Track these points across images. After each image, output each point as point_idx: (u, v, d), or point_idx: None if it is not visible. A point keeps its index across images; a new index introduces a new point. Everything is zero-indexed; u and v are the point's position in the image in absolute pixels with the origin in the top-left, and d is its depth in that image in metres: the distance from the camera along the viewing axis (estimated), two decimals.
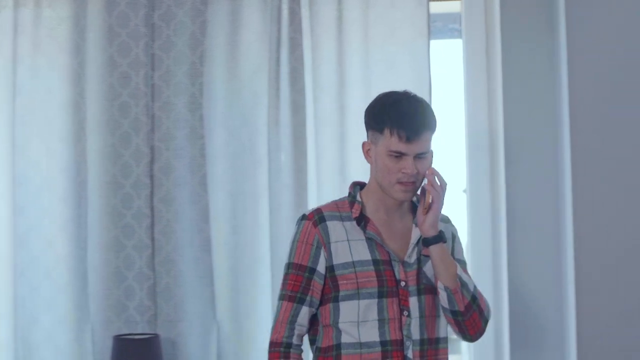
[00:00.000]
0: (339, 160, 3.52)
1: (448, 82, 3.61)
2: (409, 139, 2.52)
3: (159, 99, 3.57)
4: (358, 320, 2.53)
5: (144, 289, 3.53)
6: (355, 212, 2.59)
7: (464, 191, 3.62)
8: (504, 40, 3.44)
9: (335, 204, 2.65)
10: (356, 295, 2.53)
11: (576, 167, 3.22)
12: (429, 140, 2.56)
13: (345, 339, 2.54)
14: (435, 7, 3.60)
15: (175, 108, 3.57)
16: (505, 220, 3.43)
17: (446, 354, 2.64)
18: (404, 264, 2.58)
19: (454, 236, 2.69)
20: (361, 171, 3.50)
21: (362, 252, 2.56)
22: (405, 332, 2.55)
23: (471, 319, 2.58)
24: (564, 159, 3.32)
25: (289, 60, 3.55)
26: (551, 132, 3.42)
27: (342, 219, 2.60)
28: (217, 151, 3.56)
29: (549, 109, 3.43)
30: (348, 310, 2.54)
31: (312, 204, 3.52)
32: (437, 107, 3.46)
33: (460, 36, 3.61)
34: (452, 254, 2.66)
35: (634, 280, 3.20)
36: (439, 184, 2.55)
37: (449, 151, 3.72)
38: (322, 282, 2.56)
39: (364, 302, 2.53)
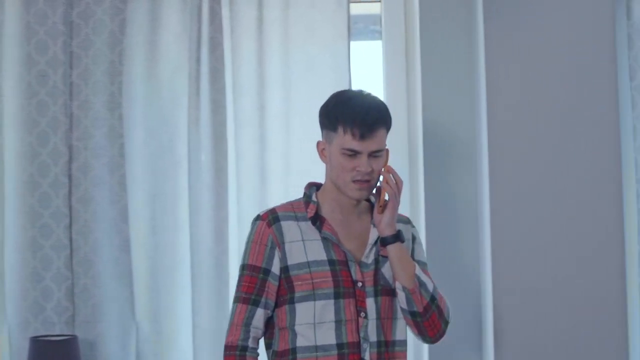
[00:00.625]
0: (260, 161, 3.52)
1: (368, 83, 3.63)
2: (362, 137, 2.49)
3: (77, 98, 3.53)
4: (314, 322, 2.51)
5: (61, 289, 3.49)
6: (310, 212, 2.58)
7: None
8: (423, 42, 3.45)
9: (291, 204, 2.62)
10: (312, 297, 2.51)
11: (493, 168, 3.25)
12: (383, 137, 2.53)
13: (300, 342, 2.51)
14: (355, 9, 3.61)
15: (94, 107, 3.53)
16: (425, 226, 3.44)
17: (404, 357, 2.59)
18: (360, 264, 2.54)
19: (414, 237, 2.66)
20: (281, 171, 3.51)
21: (318, 252, 2.54)
22: (362, 334, 2.51)
23: (430, 320, 2.55)
24: (482, 159, 3.35)
25: (209, 59, 3.53)
26: (470, 133, 3.44)
27: (297, 219, 2.58)
28: (137, 151, 3.53)
29: (468, 110, 3.45)
30: (304, 312, 2.51)
31: (233, 204, 3.50)
32: None
33: (380, 37, 3.63)
34: (412, 255, 2.62)
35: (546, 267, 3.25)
36: (394, 181, 2.52)
37: None
38: (276, 283, 2.54)
39: (320, 303, 2.50)
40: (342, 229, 2.58)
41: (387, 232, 2.54)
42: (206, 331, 3.47)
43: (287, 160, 3.51)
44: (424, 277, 2.56)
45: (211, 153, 3.52)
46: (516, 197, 3.25)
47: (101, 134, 3.52)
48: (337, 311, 2.51)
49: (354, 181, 2.52)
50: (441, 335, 2.60)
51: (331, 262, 2.53)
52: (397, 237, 2.53)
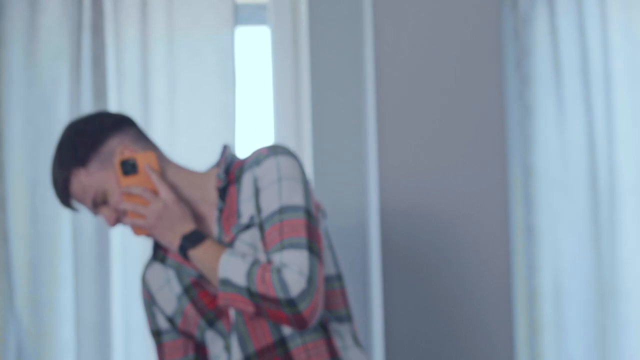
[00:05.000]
0: None
1: (256, 68, 3.59)
2: (66, 207, 2.29)
3: None
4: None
5: None
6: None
7: None
8: (311, 25, 3.44)
9: None
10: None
11: (383, 159, 3.24)
12: (83, 184, 2.23)
13: None
14: None
15: None
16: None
17: (314, 347, 2.19)
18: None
19: (257, 186, 2.21)
20: None
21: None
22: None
23: (272, 314, 2.09)
24: (368, 150, 3.34)
25: (91, 45, 3.45)
26: (357, 110, 3.44)
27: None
28: (15, 137, 3.43)
29: (356, 95, 3.44)
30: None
31: None
32: (244, 96, 3.46)
33: (267, 23, 3.59)
34: (260, 210, 2.21)
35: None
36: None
37: (257, 141, 3.71)
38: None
39: (208, 334, 2.29)
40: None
41: (174, 248, 2.24)
42: (88, 324, 3.41)
43: (172, 149, 3.46)
44: (229, 268, 2.12)
45: None
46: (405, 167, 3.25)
47: None
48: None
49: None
50: (300, 321, 2.07)
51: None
52: (185, 244, 2.20)
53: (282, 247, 2.11)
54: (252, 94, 3.66)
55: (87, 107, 3.44)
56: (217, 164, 2.35)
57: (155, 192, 2.24)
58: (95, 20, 3.45)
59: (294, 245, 2.10)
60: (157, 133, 3.45)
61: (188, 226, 2.21)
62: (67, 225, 3.43)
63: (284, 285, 2.07)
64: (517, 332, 3.50)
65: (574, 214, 3.53)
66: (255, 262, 2.12)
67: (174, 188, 2.29)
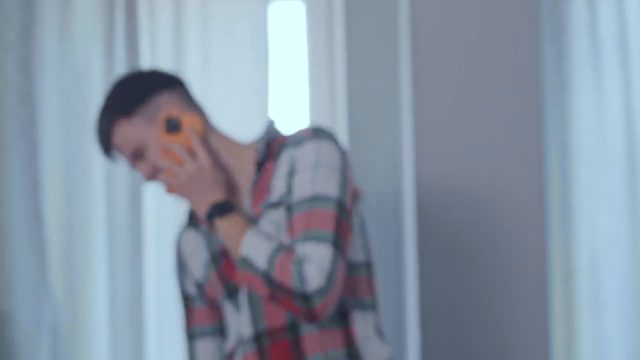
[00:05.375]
0: None
1: (291, 44, 3.57)
2: (107, 156, 2.29)
3: None
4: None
5: None
6: None
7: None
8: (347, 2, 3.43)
9: None
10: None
11: (419, 136, 3.22)
12: (126, 135, 2.22)
13: None
14: None
15: (4, 70, 3.43)
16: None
17: (329, 335, 2.15)
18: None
19: (294, 166, 2.17)
20: None
21: None
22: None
23: (284, 302, 2.06)
24: (403, 127, 3.32)
25: (124, 24, 3.45)
26: (393, 86, 3.42)
27: None
28: (49, 117, 3.43)
29: (392, 71, 3.43)
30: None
31: None
32: (278, 72, 3.45)
33: None
34: (291, 192, 2.17)
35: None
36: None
37: (291, 118, 3.70)
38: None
39: (226, 305, 2.27)
40: None
41: (203, 214, 2.23)
42: (122, 301, 3.42)
43: None
44: (253, 248, 2.10)
45: None
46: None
47: (11, 99, 3.42)
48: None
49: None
50: (309, 314, 2.04)
51: None
52: (214, 212, 2.18)
53: (307, 237, 2.07)
54: (286, 71, 3.64)
55: None
56: (261, 138, 2.33)
57: (194, 155, 2.22)
58: None
59: (319, 238, 2.06)
60: None
61: (219, 195, 2.20)
62: (101, 204, 3.44)
63: (302, 278, 2.03)
64: (553, 308, 3.48)
65: (611, 190, 3.50)
66: (279, 248, 2.08)
67: (213, 155, 2.28)
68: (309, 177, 2.12)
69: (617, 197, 3.50)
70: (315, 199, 2.09)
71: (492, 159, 3.22)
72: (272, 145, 2.26)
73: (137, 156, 2.26)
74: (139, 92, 2.24)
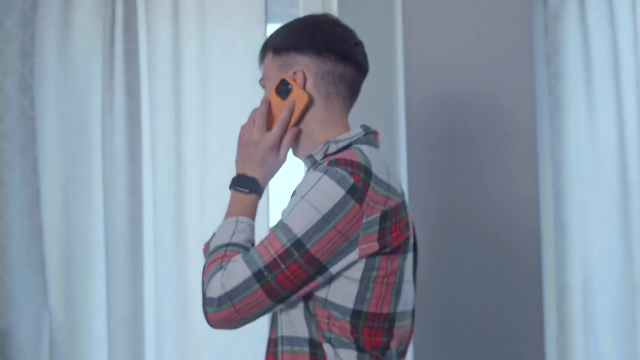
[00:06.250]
0: (175, 145, 3.46)
1: None
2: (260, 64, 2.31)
3: None
4: None
5: None
6: None
7: None
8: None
9: None
10: None
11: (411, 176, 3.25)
12: (266, 66, 2.27)
13: None
14: None
15: (4, 89, 3.44)
16: None
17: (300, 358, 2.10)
18: None
19: (294, 192, 2.11)
20: (197, 155, 3.46)
21: None
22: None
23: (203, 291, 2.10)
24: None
25: (123, 41, 3.47)
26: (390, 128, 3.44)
27: None
28: (49, 134, 3.45)
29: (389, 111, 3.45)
30: None
31: (148, 188, 3.45)
32: None
33: None
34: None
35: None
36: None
37: None
38: None
39: None
40: None
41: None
42: (120, 317, 3.42)
43: (203, 144, 3.47)
44: (221, 231, 2.15)
45: (125, 137, 3.45)
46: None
47: (12, 117, 3.44)
48: None
49: None
50: (204, 314, 2.07)
51: None
52: (231, 182, 2.22)
53: (246, 253, 2.07)
54: None
55: (120, 103, 3.45)
56: (321, 148, 2.23)
57: (267, 127, 2.25)
58: (127, 16, 3.47)
59: (249, 260, 2.05)
60: (188, 129, 3.46)
61: (254, 172, 2.22)
62: (100, 221, 3.45)
63: (208, 281, 2.07)
64: (547, 327, 3.51)
65: (603, 209, 3.53)
66: (228, 245, 2.11)
67: (296, 138, 2.25)
68: (292, 203, 2.08)
69: (610, 216, 3.53)
70: (279, 225, 2.06)
71: (488, 177, 3.24)
72: (325, 158, 2.19)
73: (261, 85, 2.30)
74: (294, 42, 2.24)
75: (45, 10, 3.46)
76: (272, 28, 3.53)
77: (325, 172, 2.06)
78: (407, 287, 2.19)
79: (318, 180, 2.06)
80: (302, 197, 2.05)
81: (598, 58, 3.56)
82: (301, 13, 3.54)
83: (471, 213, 3.24)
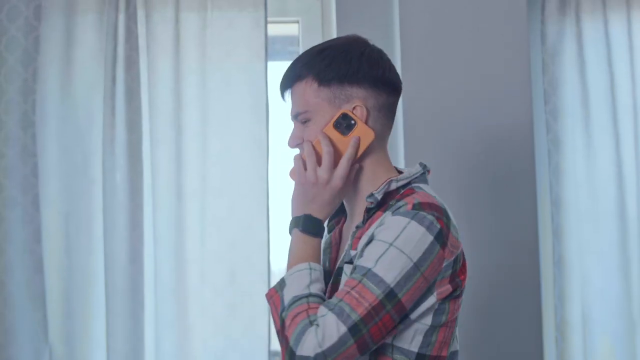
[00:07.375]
0: (175, 181, 3.48)
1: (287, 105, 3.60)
2: (281, 94, 2.15)
3: None
4: None
5: None
6: None
7: None
8: None
9: None
10: None
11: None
12: (303, 95, 2.10)
13: None
14: (273, 30, 3.60)
15: (6, 126, 3.46)
16: None
17: None
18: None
19: (373, 237, 2.02)
20: (197, 191, 3.47)
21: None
22: None
23: (280, 341, 2.01)
24: None
25: (124, 78, 3.49)
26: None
27: None
28: (51, 170, 3.46)
29: None
30: None
31: (148, 224, 3.45)
32: (276, 127, 3.47)
33: None
34: (361, 255, 2.02)
35: None
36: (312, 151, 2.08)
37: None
38: None
39: None
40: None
41: (293, 214, 2.11)
42: (120, 354, 3.42)
43: (203, 180, 3.48)
44: (291, 279, 2.03)
45: (126, 173, 3.47)
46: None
47: (14, 153, 3.45)
48: None
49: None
50: None
51: (326, 274, 2.15)
52: (294, 222, 2.09)
53: (335, 306, 1.96)
54: (286, 125, 3.68)
55: (121, 139, 3.46)
56: (381, 188, 2.12)
57: (332, 167, 2.10)
58: (129, 54, 3.49)
59: (343, 314, 1.95)
60: (189, 164, 3.48)
61: (320, 213, 2.11)
62: (100, 257, 3.45)
63: (298, 338, 1.96)
64: None
65: (602, 245, 3.54)
66: (309, 296, 2.01)
67: (357, 176, 2.15)
68: (379, 250, 1.98)
69: (609, 252, 3.54)
70: (367, 274, 1.97)
71: (487, 212, 3.25)
72: (389, 196, 2.11)
73: (297, 117, 2.15)
74: (348, 73, 2.10)
75: (47, 47, 3.48)
76: (272, 65, 3.55)
77: (413, 217, 1.99)
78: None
79: (406, 226, 1.98)
80: (391, 244, 1.98)
81: (596, 95, 3.58)
82: (301, 51, 3.56)
83: (470, 249, 3.25)
